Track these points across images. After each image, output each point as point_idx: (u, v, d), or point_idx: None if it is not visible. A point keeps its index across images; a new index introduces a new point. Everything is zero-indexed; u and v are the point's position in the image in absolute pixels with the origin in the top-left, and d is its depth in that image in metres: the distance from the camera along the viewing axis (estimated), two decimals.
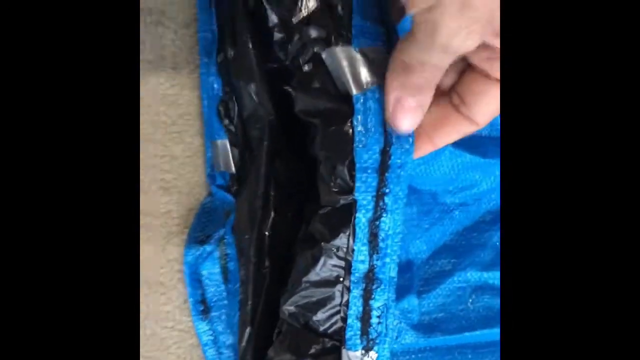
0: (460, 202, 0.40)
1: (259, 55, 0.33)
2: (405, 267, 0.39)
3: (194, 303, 0.38)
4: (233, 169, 0.37)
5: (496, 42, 0.24)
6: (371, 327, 0.29)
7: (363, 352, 0.30)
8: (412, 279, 0.39)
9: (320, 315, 0.30)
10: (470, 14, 0.22)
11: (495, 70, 0.26)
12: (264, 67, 0.34)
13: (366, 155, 0.28)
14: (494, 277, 0.41)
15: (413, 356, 0.39)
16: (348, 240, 0.29)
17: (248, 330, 0.35)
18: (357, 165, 0.28)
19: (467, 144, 0.37)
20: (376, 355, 0.30)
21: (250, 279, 0.35)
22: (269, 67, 0.33)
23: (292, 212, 0.36)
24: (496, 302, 0.40)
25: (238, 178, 0.37)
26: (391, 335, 0.34)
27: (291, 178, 0.36)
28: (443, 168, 0.38)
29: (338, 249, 0.29)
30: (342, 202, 0.29)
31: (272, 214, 0.35)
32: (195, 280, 0.38)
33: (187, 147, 0.40)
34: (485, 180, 0.40)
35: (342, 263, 0.29)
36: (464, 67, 0.28)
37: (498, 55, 0.25)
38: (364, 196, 0.28)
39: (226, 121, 0.36)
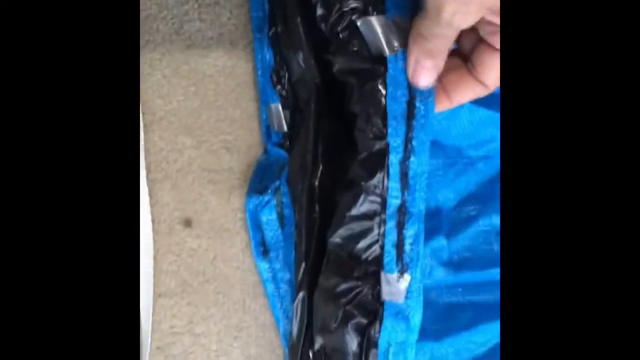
0: (483, 155, 0.46)
1: (305, 28, 0.39)
2: (434, 213, 0.45)
3: (255, 245, 0.45)
4: (285, 128, 0.43)
5: (493, 19, 0.29)
6: (405, 254, 0.35)
7: (399, 274, 0.36)
8: (440, 223, 0.45)
9: (361, 245, 0.37)
10: None
11: (496, 42, 0.32)
12: (309, 38, 0.39)
13: (396, 106, 0.34)
14: None
15: (445, 291, 0.45)
16: (383, 179, 0.35)
17: (303, 266, 0.42)
18: (389, 114, 0.34)
19: (482, 101, 0.42)
20: (409, 277, 0.36)
21: (304, 223, 0.42)
22: (314, 39, 0.39)
23: (335, 165, 0.42)
24: None
25: (290, 136, 0.43)
26: (423, 265, 0.40)
27: (334, 135, 0.42)
28: (462, 122, 0.43)
29: (375, 187, 0.35)
30: (377, 147, 0.35)
31: (321, 166, 0.41)
32: (255, 225, 0.44)
33: (244, 111, 0.46)
34: None
35: (379, 199, 0.35)
36: (478, 38, 0.33)
37: (497, 30, 0.30)
38: (394, 140, 0.34)
39: (278, 87, 0.42)
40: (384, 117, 0.34)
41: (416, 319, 0.36)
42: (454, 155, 0.45)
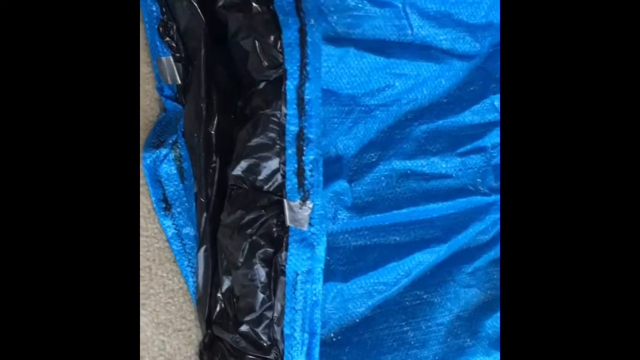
0: (380, 103, 0.49)
1: None
2: (335, 160, 0.48)
3: (156, 201, 0.46)
4: (179, 80, 0.45)
5: None
6: (306, 180, 0.39)
7: (301, 202, 0.39)
8: (342, 169, 0.48)
9: (263, 175, 0.40)
10: None
11: None
12: None
13: (289, 33, 0.37)
14: (416, 164, 0.49)
15: (351, 235, 0.48)
16: (280, 107, 0.38)
17: (204, 215, 0.43)
18: (284, 41, 0.37)
19: (370, 47, 0.46)
20: (312, 204, 0.39)
21: (202, 173, 0.43)
22: None
23: (233, 114, 0.44)
24: (419, 184, 0.49)
25: (184, 88, 0.45)
26: (326, 208, 0.43)
27: (231, 83, 0.44)
28: (352, 70, 0.47)
29: (272, 115, 0.39)
30: (274, 75, 0.38)
31: (217, 115, 0.43)
32: (155, 181, 0.46)
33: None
34: (398, 80, 0.49)
35: (277, 128, 0.39)
36: None
37: None
38: (291, 66, 0.37)
39: (167, 39, 0.44)
40: (279, 45, 0.37)
41: (321, 247, 0.39)
42: (349, 103, 0.49)
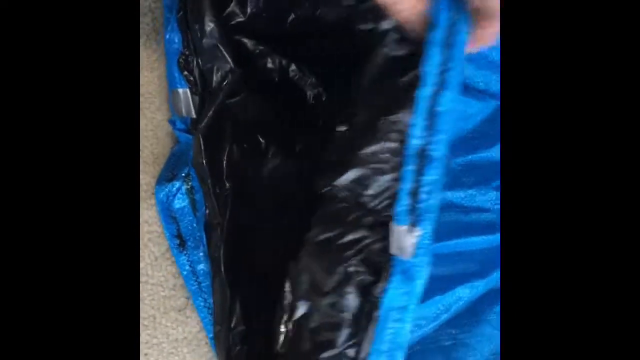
0: None
1: (212, 6, 0.42)
2: None
3: (170, 237, 0.43)
4: (194, 114, 0.44)
5: None
6: (419, 203, 0.32)
7: (409, 227, 0.32)
8: None
9: (372, 190, 0.34)
10: None
11: None
12: (219, 20, 0.42)
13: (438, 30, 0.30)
14: (455, 196, 0.48)
15: None
16: (406, 115, 0.32)
17: (218, 244, 0.39)
18: (431, 40, 0.30)
19: None
20: (420, 231, 0.32)
21: (213, 202, 0.40)
22: (229, 24, 0.42)
23: (248, 144, 0.42)
24: (459, 217, 0.46)
25: (197, 121, 0.44)
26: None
27: (251, 116, 0.42)
28: None
29: (395, 123, 0.33)
30: (404, 79, 0.33)
31: (227, 145, 0.41)
32: (168, 216, 0.43)
33: (150, 122, 0.47)
34: None
35: (400, 138, 0.33)
36: None
37: None
38: (431, 68, 0.30)
39: (185, 72, 0.44)
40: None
41: (420, 281, 0.33)
42: None
